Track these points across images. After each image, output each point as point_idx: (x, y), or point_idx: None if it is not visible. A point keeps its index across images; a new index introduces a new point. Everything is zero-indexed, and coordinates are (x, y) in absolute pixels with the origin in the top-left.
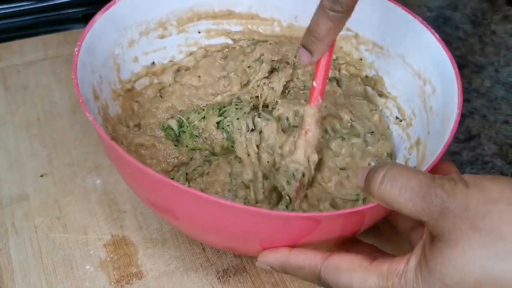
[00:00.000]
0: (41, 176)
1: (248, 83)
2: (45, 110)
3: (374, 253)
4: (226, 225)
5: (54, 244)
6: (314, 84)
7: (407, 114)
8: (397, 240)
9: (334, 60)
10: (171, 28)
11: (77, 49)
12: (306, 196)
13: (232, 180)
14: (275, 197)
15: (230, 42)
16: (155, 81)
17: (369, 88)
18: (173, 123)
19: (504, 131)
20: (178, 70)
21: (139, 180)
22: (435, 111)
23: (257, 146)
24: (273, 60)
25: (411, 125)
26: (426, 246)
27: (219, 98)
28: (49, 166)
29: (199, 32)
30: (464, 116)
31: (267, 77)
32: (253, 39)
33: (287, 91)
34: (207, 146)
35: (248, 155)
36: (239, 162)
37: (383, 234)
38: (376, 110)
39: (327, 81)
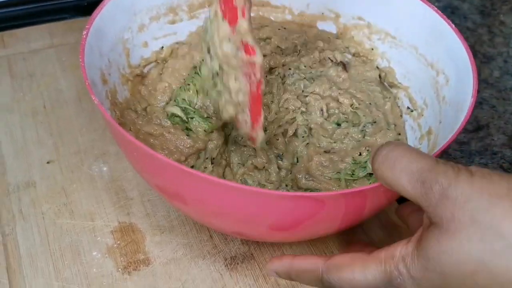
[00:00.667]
0: (47, 163)
1: None
2: (51, 98)
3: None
4: (234, 208)
5: (61, 230)
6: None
7: (418, 104)
8: None
9: (346, 47)
10: (182, 13)
11: (85, 32)
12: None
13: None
14: None
15: None
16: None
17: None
18: (176, 110)
19: None
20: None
21: (147, 165)
22: (448, 101)
23: None
24: (279, 47)
25: (423, 115)
26: (424, 232)
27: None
28: (56, 154)
29: None
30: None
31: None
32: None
33: (289, 76)
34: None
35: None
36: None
37: None
38: (389, 98)
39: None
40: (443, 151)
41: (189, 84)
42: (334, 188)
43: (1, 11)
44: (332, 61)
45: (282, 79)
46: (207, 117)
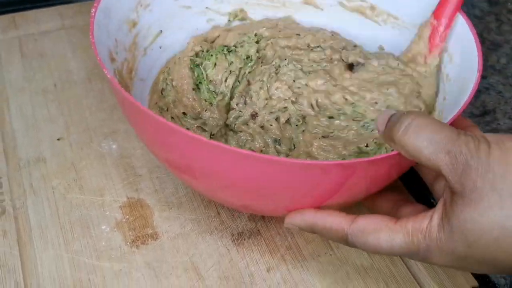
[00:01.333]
0: (58, 140)
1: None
2: (62, 78)
3: (400, 202)
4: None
5: (71, 204)
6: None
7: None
8: None
9: (355, 46)
10: None
11: (93, 10)
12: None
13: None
14: None
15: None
16: None
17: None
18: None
19: None
20: None
21: (154, 134)
22: (451, 78)
23: None
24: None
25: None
26: (447, 203)
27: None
28: (66, 131)
29: None
30: (479, 92)
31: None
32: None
33: (283, 67)
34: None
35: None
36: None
37: None
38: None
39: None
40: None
41: (211, 55)
42: None
43: None
44: (342, 60)
45: (276, 69)
46: (213, 91)
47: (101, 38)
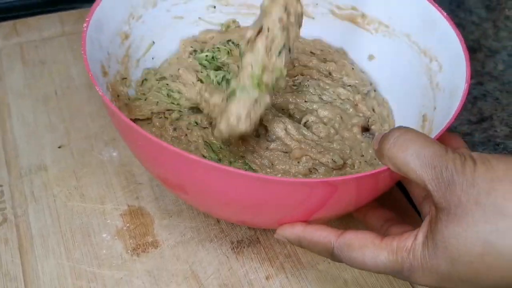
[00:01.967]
0: (59, 147)
1: None
2: (63, 85)
3: (390, 221)
4: (238, 196)
5: (72, 212)
6: None
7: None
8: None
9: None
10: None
11: (85, 24)
12: None
13: None
14: None
15: None
16: None
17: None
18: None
19: None
20: None
21: (145, 150)
22: (442, 87)
23: None
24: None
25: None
26: (432, 220)
27: None
28: (67, 139)
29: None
30: (476, 99)
31: None
32: None
33: (303, 86)
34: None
35: None
36: None
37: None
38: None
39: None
40: (439, 137)
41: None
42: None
43: (14, 0)
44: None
45: (295, 86)
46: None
47: (93, 52)
